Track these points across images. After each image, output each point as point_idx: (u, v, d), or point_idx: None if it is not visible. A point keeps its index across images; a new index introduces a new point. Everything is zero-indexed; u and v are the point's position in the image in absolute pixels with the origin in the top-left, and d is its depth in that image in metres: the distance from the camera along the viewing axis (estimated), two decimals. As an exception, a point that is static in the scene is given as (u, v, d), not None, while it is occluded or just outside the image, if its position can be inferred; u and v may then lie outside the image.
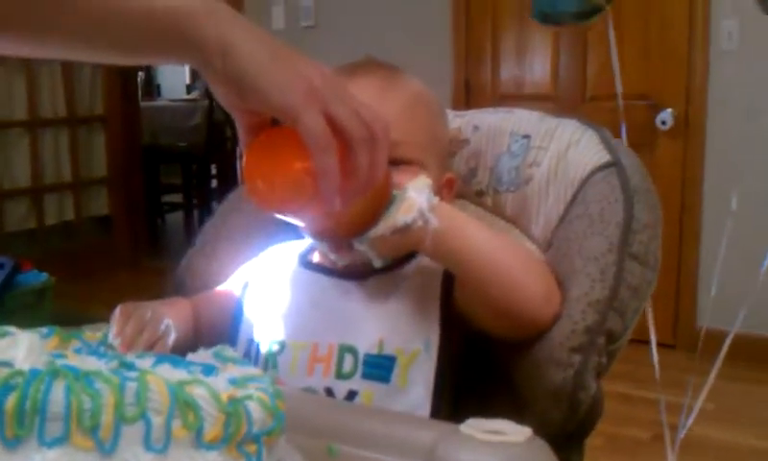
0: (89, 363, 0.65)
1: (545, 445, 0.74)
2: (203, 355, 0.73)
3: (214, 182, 6.59)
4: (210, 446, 0.58)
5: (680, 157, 3.45)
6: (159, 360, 0.68)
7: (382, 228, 0.84)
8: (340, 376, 0.92)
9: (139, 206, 5.36)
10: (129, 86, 5.27)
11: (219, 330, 1.01)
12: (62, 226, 4.91)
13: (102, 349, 0.76)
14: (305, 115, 0.69)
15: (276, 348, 0.96)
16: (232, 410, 0.59)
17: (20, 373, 0.56)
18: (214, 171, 6.52)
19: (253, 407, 0.60)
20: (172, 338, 0.90)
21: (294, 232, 0.98)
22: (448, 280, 0.94)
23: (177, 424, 0.57)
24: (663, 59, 3.43)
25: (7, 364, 0.59)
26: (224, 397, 0.59)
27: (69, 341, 0.73)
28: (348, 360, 0.92)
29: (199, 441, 0.58)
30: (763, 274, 1.64)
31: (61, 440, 0.54)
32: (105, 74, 4.93)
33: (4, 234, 4.51)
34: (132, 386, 0.57)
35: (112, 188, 5.14)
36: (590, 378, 0.87)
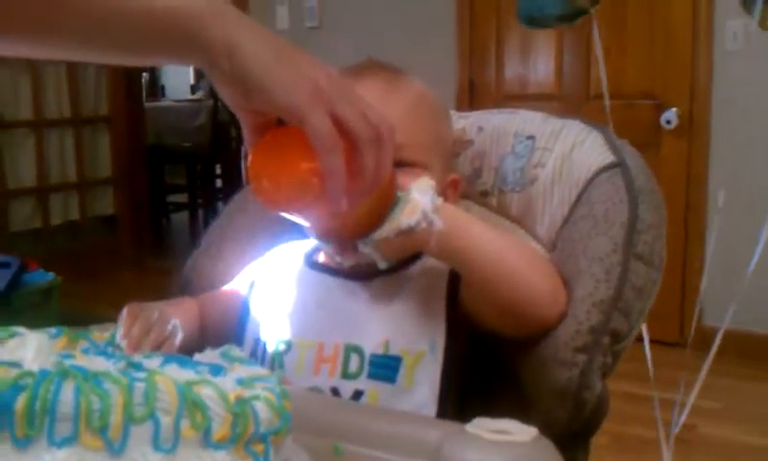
0: (98, 363, 0.65)
1: (551, 444, 0.74)
2: (210, 355, 0.74)
3: (219, 182, 6.59)
4: (218, 445, 0.58)
5: (684, 157, 3.44)
6: (167, 360, 0.69)
7: (386, 230, 0.85)
8: (346, 375, 0.92)
9: (144, 205, 5.37)
10: (133, 87, 5.28)
11: (225, 330, 1.01)
12: (68, 225, 4.92)
13: (110, 349, 0.77)
14: (311, 116, 0.69)
15: (282, 347, 0.96)
16: (240, 410, 0.59)
17: (30, 373, 0.57)
18: (219, 171, 6.53)
19: (261, 407, 0.61)
20: (179, 338, 0.91)
21: (299, 233, 0.98)
22: (454, 281, 0.94)
23: (185, 424, 0.57)
24: (668, 58, 3.43)
25: (16, 364, 0.59)
26: (231, 397, 0.60)
27: (77, 341, 0.73)
28: (354, 360, 0.93)
29: (207, 441, 0.58)
30: (750, 271, 1.64)
31: (71, 440, 0.55)
32: (109, 75, 4.94)
33: (10, 234, 4.52)
34: (140, 386, 0.57)
35: (117, 188, 5.15)
36: (595, 378, 0.87)
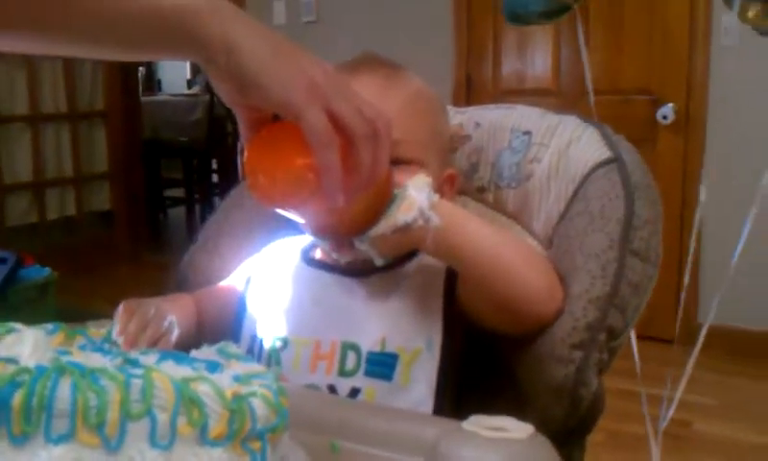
0: (94, 360, 0.65)
1: (547, 441, 0.75)
2: (206, 352, 0.73)
3: (215, 177, 6.59)
4: (215, 442, 0.58)
5: (680, 152, 3.45)
6: (164, 357, 0.68)
7: (383, 227, 0.85)
8: (343, 373, 0.92)
9: (140, 200, 5.36)
10: (129, 82, 5.27)
11: (222, 326, 1.01)
12: (64, 220, 4.91)
13: (106, 345, 0.77)
14: (307, 112, 0.69)
15: (279, 344, 0.96)
16: (237, 407, 0.59)
17: (26, 370, 0.57)
18: (215, 166, 6.52)
19: (257, 404, 0.61)
20: (175, 335, 0.91)
21: (295, 228, 0.98)
22: (451, 278, 0.94)
23: (182, 421, 0.57)
24: (665, 54, 3.43)
25: (13, 361, 0.59)
26: (228, 394, 0.60)
27: (74, 338, 0.73)
28: (351, 358, 0.93)
29: (203, 438, 0.58)
30: (737, 267, 1.65)
31: (68, 437, 0.55)
32: (105, 69, 4.93)
33: (5, 229, 4.52)
34: (137, 383, 0.57)
35: (114, 183, 5.14)
36: (592, 375, 0.87)
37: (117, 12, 0.68)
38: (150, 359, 0.67)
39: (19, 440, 0.55)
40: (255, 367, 0.69)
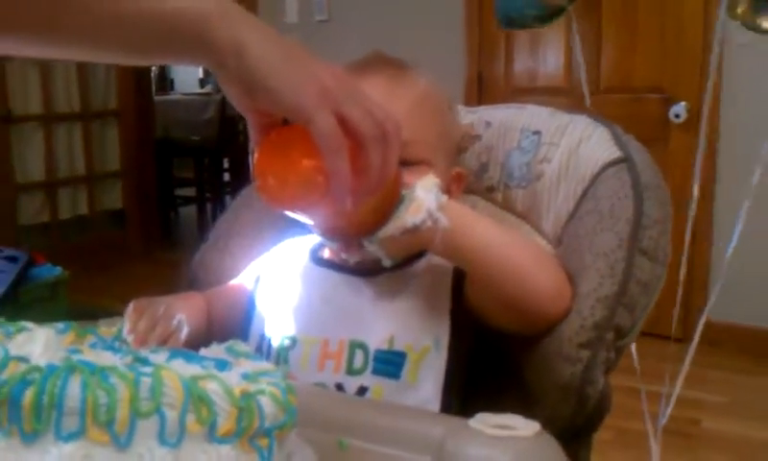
0: (105, 358, 0.65)
1: (553, 439, 0.75)
2: (215, 350, 0.74)
3: (227, 176, 6.60)
4: (223, 440, 0.59)
5: (693, 151, 3.43)
6: (173, 355, 0.69)
7: (391, 228, 0.85)
8: (351, 371, 0.93)
9: (152, 199, 5.38)
10: (142, 81, 5.29)
11: (231, 325, 1.02)
12: (76, 219, 4.94)
13: (117, 344, 0.77)
14: (317, 116, 0.70)
15: (287, 343, 0.97)
16: (245, 405, 0.60)
17: (37, 368, 0.57)
18: (226, 165, 6.54)
19: (265, 402, 0.61)
20: (184, 333, 0.91)
21: (304, 228, 0.98)
22: (459, 277, 0.94)
23: (190, 419, 0.58)
24: (678, 52, 3.42)
25: (24, 359, 0.60)
26: (236, 391, 0.60)
27: (85, 336, 0.74)
28: (359, 356, 0.93)
29: (212, 435, 0.59)
30: (728, 261, 1.65)
31: (78, 434, 0.55)
32: (118, 69, 4.94)
33: (18, 228, 4.54)
34: (146, 381, 0.58)
35: (126, 182, 5.16)
36: (599, 373, 0.88)
37: (116, 12, 0.68)
38: (160, 357, 0.68)
39: (30, 437, 0.55)
40: (264, 365, 0.70)
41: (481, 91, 3.90)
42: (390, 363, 0.92)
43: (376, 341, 0.93)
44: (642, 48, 3.49)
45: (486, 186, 1.11)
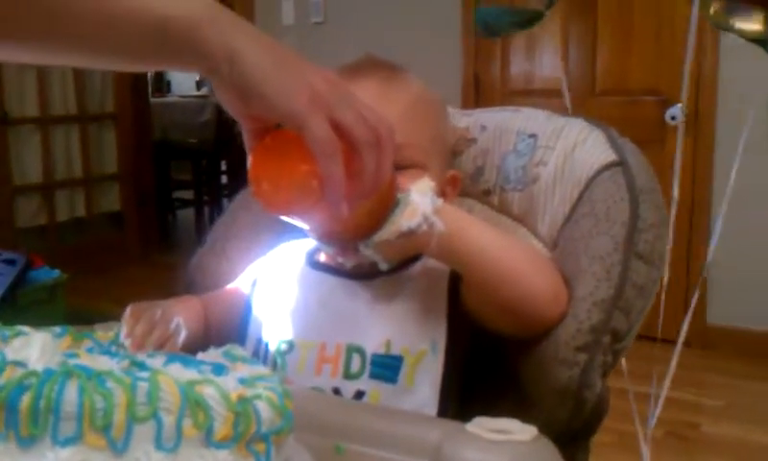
0: (101, 363, 0.66)
1: (551, 443, 0.75)
2: (213, 354, 0.74)
3: (224, 179, 6.60)
4: (220, 444, 0.59)
5: (689, 153, 3.44)
6: (170, 359, 0.69)
7: (387, 232, 0.85)
8: (348, 376, 0.93)
9: (150, 201, 5.38)
10: (139, 83, 5.29)
11: (228, 329, 1.02)
12: (74, 222, 4.93)
13: (113, 348, 0.77)
14: (310, 122, 0.70)
15: (284, 347, 0.97)
16: (242, 409, 0.60)
17: (34, 373, 0.57)
18: (224, 167, 6.54)
19: (262, 407, 0.61)
20: (182, 337, 0.91)
21: (301, 232, 0.99)
22: (455, 281, 0.94)
23: (187, 424, 0.58)
24: (673, 54, 3.42)
25: (21, 364, 0.60)
26: (233, 396, 0.60)
27: (81, 341, 0.74)
28: (356, 360, 0.93)
29: (209, 440, 0.59)
30: (706, 269, 1.65)
31: (74, 439, 0.56)
32: (115, 71, 4.94)
33: (16, 230, 4.54)
34: (143, 386, 0.58)
35: (123, 184, 5.16)
36: (596, 377, 0.88)
37: (107, 19, 0.68)
38: (157, 362, 0.68)
39: (27, 442, 0.55)
40: (261, 370, 0.70)
41: (477, 94, 3.90)
42: (387, 367, 0.92)
43: (373, 345, 0.93)
44: (638, 50, 3.49)
45: (482, 190, 1.11)
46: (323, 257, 1.02)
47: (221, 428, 0.59)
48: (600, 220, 0.94)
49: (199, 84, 8.12)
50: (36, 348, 0.64)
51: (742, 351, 3.32)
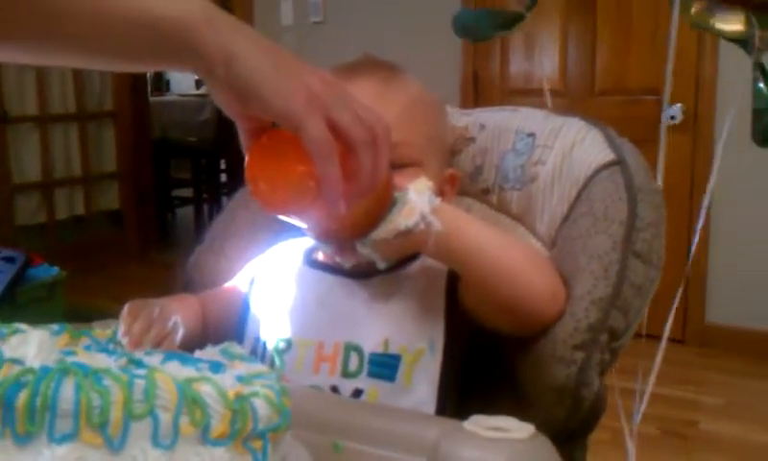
0: (99, 360, 0.66)
1: (548, 441, 0.75)
2: (210, 352, 0.74)
3: (223, 177, 6.60)
4: (217, 442, 0.59)
5: (688, 153, 3.44)
6: (168, 357, 0.69)
7: (384, 231, 0.85)
8: (346, 374, 0.93)
9: (149, 200, 5.38)
10: (138, 82, 5.28)
11: (226, 327, 1.02)
12: (73, 220, 4.93)
13: (111, 346, 0.78)
14: (307, 122, 0.70)
15: (282, 346, 0.97)
16: (239, 407, 0.60)
17: (31, 370, 0.57)
18: (223, 166, 6.54)
19: (260, 404, 0.61)
20: (179, 335, 0.91)
21: (298, 231, 0.99)
22: (453, 279, 0.94)
23: (184, 421, 0.58)
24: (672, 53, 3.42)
25: (18, 361, 0.60)
26: (230, 394, 0.60)
27: (79, 338, 0.74)
28: (354, 359, 0.93)
29: (206, 437, 0.59)
30: (686, 266, 1.65)
31: (71, 436, 0.56)
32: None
33: (15, 228, 4.54)
34: (140, 383, 0.58)
35: (123, 183, 5.16)
36: (593, 375, 0.88)
37: (104, 19, 0.68)
38: (154, 360, 0.68)
39: (23, 439, 0.56)
40: (258, 367, 0.70)
41: (476, 93, 3.90)
42: (385, 366, 0.92)
43: (371, 344, 0.93)
44: (637, 50, 3.49)
45: (481, 189, 1.11)
46: (320, 256, 1.02)
47: (218, 426, 0.59)
48: (598, 219, 0.94)
49: (198, 83, 8.10)
50: (33, 345, 0.64)
51: (741, 349, 3.32)
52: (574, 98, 3.63)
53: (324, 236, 0.91)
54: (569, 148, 1.03)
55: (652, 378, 1.58)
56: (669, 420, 2.78)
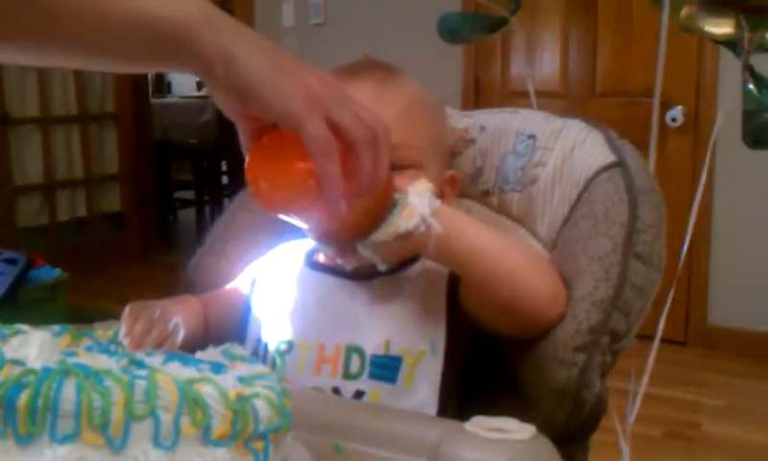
0: (100, 361, 0.66)
1: (549, 442, 0.75)
2: (212, 353, 0.74)
3: (225, 179, 6.60)
4: (218, 442, 0.59)
5: (690, 155, 3.44)
6: (169, 358, 0.69)
7: (384, 233, 0.85)
8: (347, 376, 0.93)
9: (151, 202, 5.38)
10: (140, 84, 5.28)
11: (228, 328, 1.02)
12: (75, 222, 4.94)
13: (112, 347, 0.78)
14: (307, 122, 0.70)
15: (283, 347, 0.97)
16: (240, 408, 0.60)
17: (32, 371, 0.58)
18: (225, 167, 6.54)
19: (261, 405, 0.61)
20: (180, 336, 0.91)
21: (300, 231, 0.99)
22: (454, 281, 0.94)
23: (185, 422, 0.58)
24: (673, 56, 3.41)
25: (19, 362, 0.60)
26: (231, 395, 0.61)
27: (81, 339, 0.74)
28: (355, 361, 0.93)
29: (207, 438, 0.59)
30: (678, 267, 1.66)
31: (72, 437, 0.56)
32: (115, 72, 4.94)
33: (17, 230, 4.54)
34: (141, 384, 0.58)
35: (124, 185, 5.16)
36: (595, 377, 0.88)
37: (103, 20, 0.68)
38: (156, 361, 0.68)
39: (25, 440, 0.56)
40: (259, 368, 0.70)
41: (478, 95, 3.90)
42: (386, 367, 0.92)
43: (372, 346, 0.93)
44: (638, 52, 3.49)
45: (481, 190, 1.11)
46: (321, 258, 1.02)
47: (219, 426, 0.59)
48: (599, 221, 0.94)
49: (199, 85, 8.10)
50: (34, 346, 0.64)
51: (743, 351, 3.32)
52: (575, 100, 3.63)
53: (325, 238, 0.91)
54: (570, 150, 1.03)
55: (645, 379, 1.58)
56: (672, 421, 2.78)
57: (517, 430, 0.74)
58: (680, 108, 3.39)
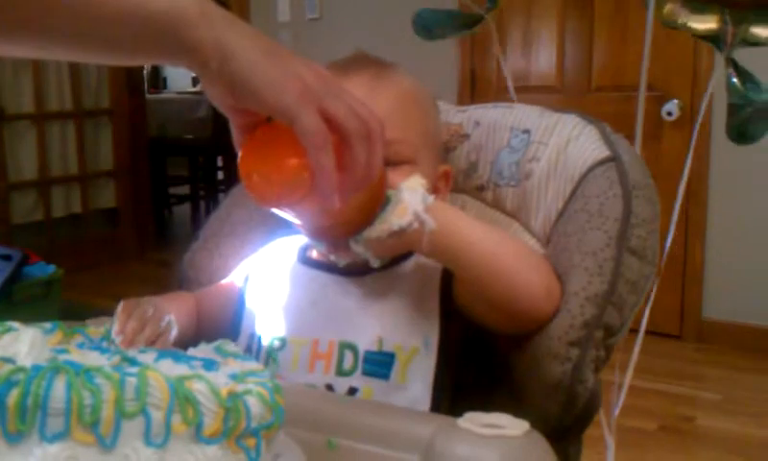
0: (92, 358, 0.66)
1: (542, 438, 0.75)
2: (204, 350, 0.74)
3: (220, 174, 6.60)
4: (210, 440, 0.59)
5: (686, 149, 3.44)
6: (161, 355, 0.69)
7: (377, 230, 0.85)
8: (340, 372, 0.93)
9: (146, 198, 5.37)
10: (135, 79, 5.28)
11: (221, 325, 1.02)
12: (70, 218, 4.93)
13: (104, 344, 0.77)
14: (301, 115, 0.70)
15: (277, 344, 0.97)
16: (231, 405, 0.60)
17: (22, 369, 0.57)
18: (220, 163, 6.53)
19: (252, 402, 0.61)
20: (173, 334, 0.91)
21: (294, 228, 0.98)
22: (447, 277, 0.94)
23: (176, 419, 0.58)
24: (669, 50, 3.42)
25: (9, 360, 0.59)
26: (223, 392, 0.60)
27: (72, 336, 0.74)
28: (349, 357, 0.93)
29: (198, 435, 0.59)
30: (659, 264, 1.66)
31: (62, 435, 0.55)
32: (111, 67, 4.92)
33: (11, 226, 4.53)
34: (132, 381, 0.58)
35: (119, 181, 5.15)
36: (588, 372, 0.88)
37: (97, 13, 0.68)
38: (148, 358, 0.68)
39: (14, 438, 0.55)
40: (252, 365, 0.70)
41: (473, 90, 3.90)
42: (379, 364, 0.92)
43: (366, 342, 0.93)
44: (633, 46, 3.49)
45: (475, 185, 1.11)
46: (315, 254, 1.02)
47: (210, 424, 0.59)
48: (593, 215, 0.94)
49: (195, 81, 8.09)
50: (25, 344, 0.64)
51: (738, 345, 3.32)
52: (571, 94, 3.63)
53: (319, 234, 0.91)
54: (564, 144, 1.02)
55: (629, 371, 1.58)
56: (666, 415, 2.78)
57: (511, 426, 0.73)
58: (675, 101, 3.39)
